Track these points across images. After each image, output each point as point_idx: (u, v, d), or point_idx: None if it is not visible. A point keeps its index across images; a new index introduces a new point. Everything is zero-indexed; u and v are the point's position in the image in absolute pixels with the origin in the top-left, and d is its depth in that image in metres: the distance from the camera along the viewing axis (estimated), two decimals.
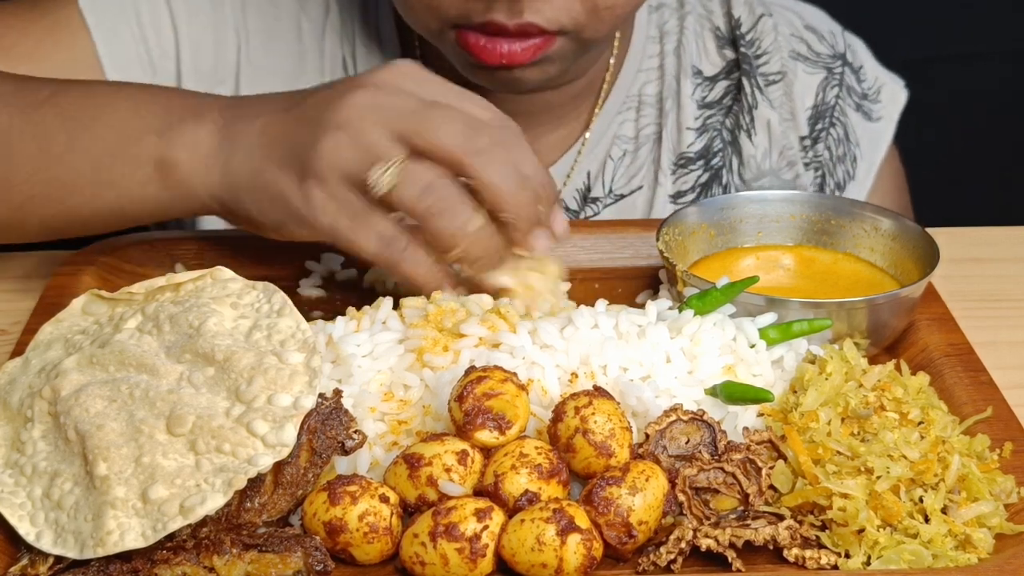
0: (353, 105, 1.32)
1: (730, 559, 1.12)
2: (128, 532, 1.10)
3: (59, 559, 1.12)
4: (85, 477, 1.13)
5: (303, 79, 1.78)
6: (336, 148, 1.31)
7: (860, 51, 1.94)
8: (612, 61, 1.83)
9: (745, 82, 1.84)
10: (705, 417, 1.21)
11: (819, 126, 1.87)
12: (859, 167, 1.89)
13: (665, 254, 1.42)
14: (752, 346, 1.31)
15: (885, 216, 1.49)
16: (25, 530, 1.13)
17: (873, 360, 1.36)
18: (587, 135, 1.84)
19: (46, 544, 1.11)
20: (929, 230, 1.46)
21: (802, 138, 1.86)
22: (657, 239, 1.44)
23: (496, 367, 1.21)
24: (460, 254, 1.31)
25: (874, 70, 1.94)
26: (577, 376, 1.26)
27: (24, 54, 1.67)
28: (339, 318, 1.33)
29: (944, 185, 2.19)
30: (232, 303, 1.25)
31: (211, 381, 1.17)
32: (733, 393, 1.26)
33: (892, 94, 1.93)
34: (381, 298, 1.35)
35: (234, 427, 1.13)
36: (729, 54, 1.88)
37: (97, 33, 1.71)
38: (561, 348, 1.28)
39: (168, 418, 1.14)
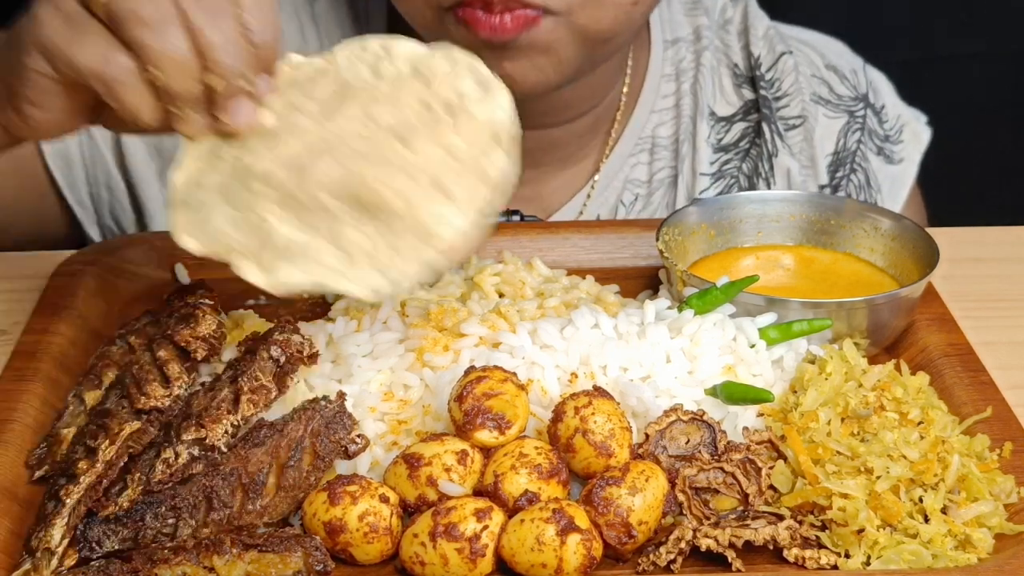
0: None
1: (730, 559, 1.12)
2: (454, 217, 1.13)
3: (61, 562, 1.12)
4: (372, 221, 1.15)
5: None
6: None
7: (882, 89, 1.88)
8: (623, 99, 1.78)
9: (765, 127, 1.79)
10: (705, 417, 1.21)
11: (839, 173, 1.82)
12: None
13: (665, 254, 1.42)
14: (752, 346, 1.31)
15: (885, 216, 1.49)
16: (368, 287, 1.14)
17: (873, 360, 1.36)
18: (597, 177, 1.79)
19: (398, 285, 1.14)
20: (929, 230, 1.46)
21: (822, 186, 1.81)
22: (657, 239, 1.44)
23: (496, 367, 1.22)
24: (160, 84, 1.15)
25: (896, 108, 1.88)
26: (577, 376, 1.26)
27: None
28: (339, 318, 1.33)
29: (944, 185, 2.18)
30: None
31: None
32: (733, 393, 1.26)
33: (914, 133, 1.87)
34: (379, 300, 1.35)
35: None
36: (747, 93, 1.82)
37: None
38: (561, 348, 1.28)
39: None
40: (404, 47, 1.24)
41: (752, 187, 1.80)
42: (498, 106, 1.19)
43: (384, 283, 1.15)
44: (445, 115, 1.19)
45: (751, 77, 1.82)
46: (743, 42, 1.83)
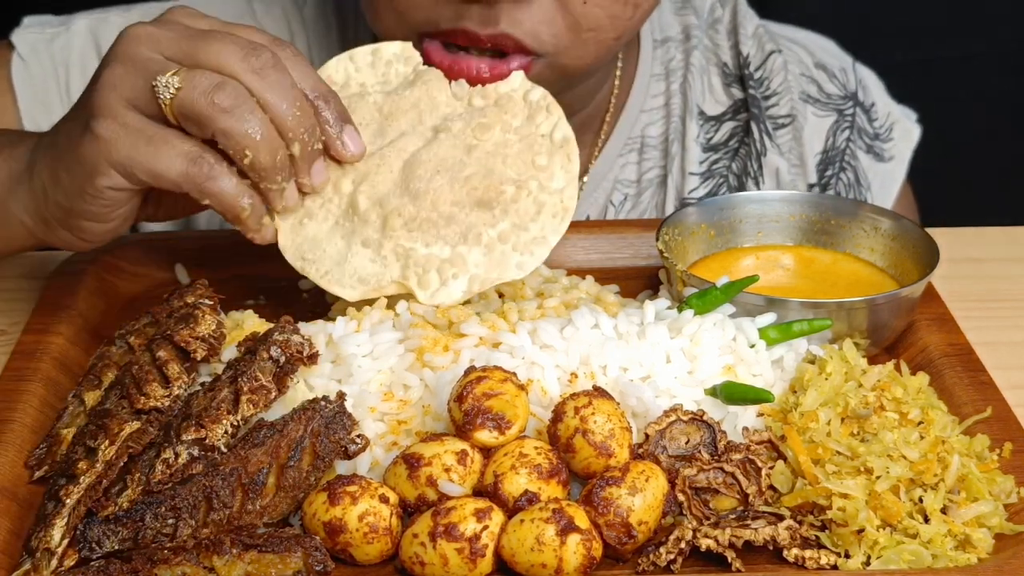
0: (125, 37, 1.26)
1: (730, 559, 1.12)
2: (555, 182, 1.33)
3: (61, 562, 1.12)
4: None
5: None
6: (113, 77, 1.24)
7: (872, 87, 1.88)
8: (613, 100, 1.77)
9: (754, 126, 1.79)
10: (705, 417, 1.21)
11: (829, 172, 1.82)
12: None
13: (665, 254, 1.42)
14: (752, 346, 1.31)
15: (885, 216, 1.49)
16: (516, 269, 1.31)
17: (873, 360, 1.36)
18: (585, 178, 1.79)
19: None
20: (929, 230, 1.46)
21: (811, 185, 1.81)
22: (657, 239, 1.44)
23: (496, 367, 1.22)
24: (250, 162, 1.24)
25: (886, 106, 1.88)
26: (577, 376, 1.26)
27: None
28: (339, 318, 1.33)
29: (944, 185, 2.19)
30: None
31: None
32: (733, 393, 1.26)
33: (904, 131, 1.87)
34: (383, 297, 1.35)
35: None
36: (736, 92, 1.82)
37: (23, 101, 1.69)
38: (561, 348, 1.28)
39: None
40: (390, 49, 1.38)
41: (741, 186, 1.81)
42: (516, 78, 1.36)
43: (527, 259, 1.31)
44: (482, 102, 1.34)
45: (740, 76, 1.82)
46: (732, 41, 1.83)
